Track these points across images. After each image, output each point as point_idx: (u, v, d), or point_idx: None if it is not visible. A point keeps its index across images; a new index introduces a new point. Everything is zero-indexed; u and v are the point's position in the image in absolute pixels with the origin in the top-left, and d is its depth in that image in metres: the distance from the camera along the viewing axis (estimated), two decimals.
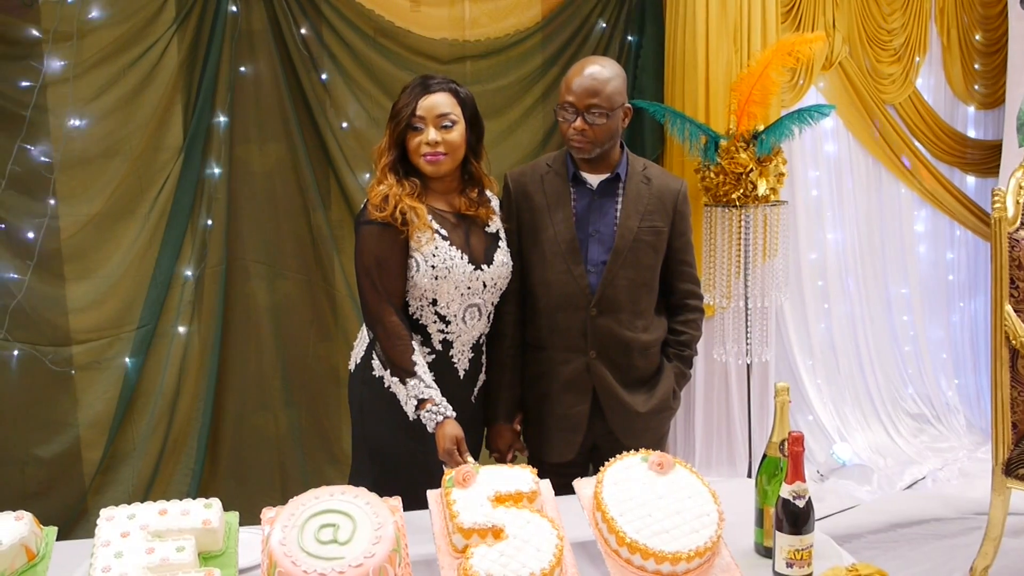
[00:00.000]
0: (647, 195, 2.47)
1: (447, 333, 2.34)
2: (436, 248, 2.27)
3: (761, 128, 3.55)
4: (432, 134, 2.26)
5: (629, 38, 3.88)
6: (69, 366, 3.35)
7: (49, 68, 3.19)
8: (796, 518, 1.68)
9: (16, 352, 3.27)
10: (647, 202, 2.47)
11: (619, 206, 2.47)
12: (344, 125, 3.57)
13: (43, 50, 3.18)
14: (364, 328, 2.38)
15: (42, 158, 3.23)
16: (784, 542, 1.69)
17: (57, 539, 1.75)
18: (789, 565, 1.69)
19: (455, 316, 2.33)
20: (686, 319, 2.59)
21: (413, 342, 2.24)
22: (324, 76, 3.53)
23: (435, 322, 2.32)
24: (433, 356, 2.34)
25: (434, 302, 2.30)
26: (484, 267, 2.33)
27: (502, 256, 2.39)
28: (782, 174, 3.62)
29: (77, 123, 3.26)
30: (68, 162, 3.27)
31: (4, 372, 3.27)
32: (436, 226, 2.29)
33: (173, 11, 3.32)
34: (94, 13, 3.22)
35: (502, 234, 2.43)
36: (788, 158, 3.71)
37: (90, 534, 1.69)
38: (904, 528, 3.67)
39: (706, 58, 3.72)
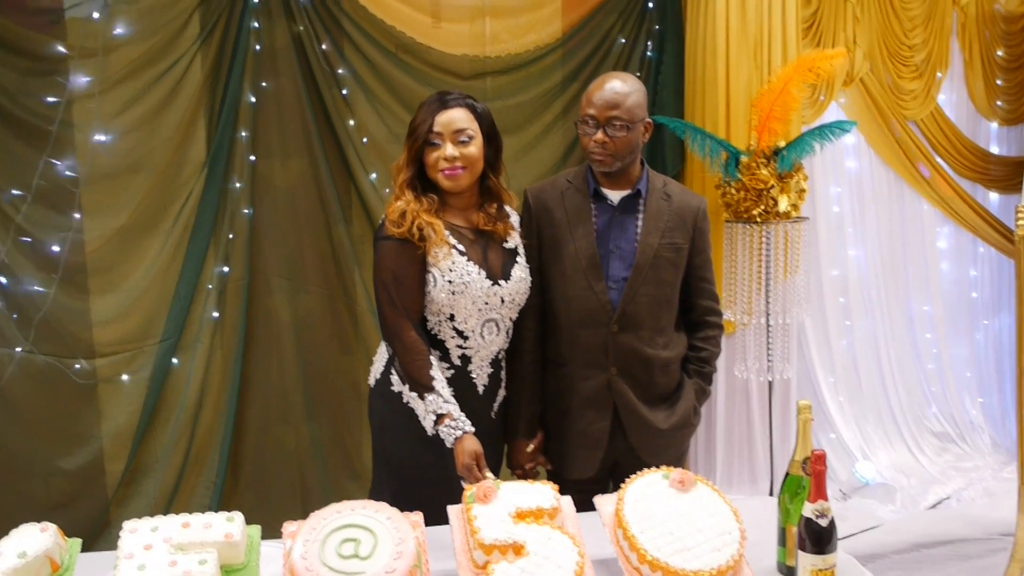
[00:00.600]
0: (667, 212, 2.48)
1: (465, 348, 2.34)
2: (453, 263, 2.28)
3: (782, 144, 3.54)
4: (450, 149, 2.27)
5: (649, 54, 3.89)
6: (93, 378, 3.38)
7: (75, 84, 3.24)
8: (819, 537, 1.66)
9: (41, 364, 3.30)
10: (667, 219, 2.47)
11: (640, 223, 2.47)
12: (365, 140, 3.59)
13: (69, 66, 3.22)
14: (383, 343, 2.39)
15: (67, 172, 3.27)
16: (807, 561, 1.67)
17: (81, 551, 1.76)
18: None
19: (473, 331, 2.33)
20: (706, 336, 2.59)
21: (431, 357, 2.25)
22: (345, 91, 3.55)
23: (453, 337, 2.33)
24: (452, 371, 2.34)
25: (452, 317, 2.31)
26: (501, 282, 2.34)
27: (520, 272, 2.39)
28: (803, 190, 3.60)
29: (102, 138, 3.29)
30: (93, 177, 3.31)
31: (29, 384, 3.30)
32: (453, 241, 2.30)
33: (197, 27, 3.36)
34: (119, 29, 3.26)
35: (520, 250, 2.44)
36: (809, 174, 3.70)
37: (113, 546, 1.70)
38: (928, 548, 3.62)
39: (726, 74, 3.72)
